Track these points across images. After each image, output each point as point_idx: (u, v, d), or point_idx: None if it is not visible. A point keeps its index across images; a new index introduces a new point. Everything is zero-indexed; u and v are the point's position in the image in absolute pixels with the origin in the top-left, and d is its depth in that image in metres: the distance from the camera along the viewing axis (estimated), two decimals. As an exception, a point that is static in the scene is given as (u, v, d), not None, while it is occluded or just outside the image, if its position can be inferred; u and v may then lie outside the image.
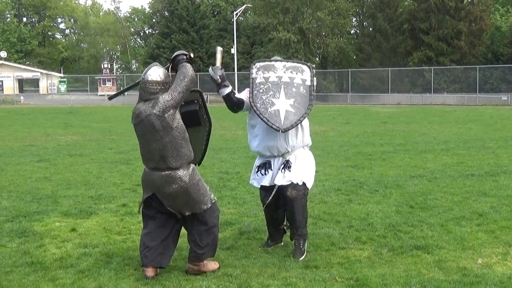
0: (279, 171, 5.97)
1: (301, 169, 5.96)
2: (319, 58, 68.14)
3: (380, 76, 56.42)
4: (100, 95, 64.21)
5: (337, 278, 5.18)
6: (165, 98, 5.06)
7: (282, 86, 5.98)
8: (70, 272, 5.42)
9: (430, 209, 7.81)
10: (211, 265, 5.43)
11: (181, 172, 5.17)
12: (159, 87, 5.10)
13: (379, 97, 53.91)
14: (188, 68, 5.24)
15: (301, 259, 5.79)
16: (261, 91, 5.86)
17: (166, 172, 5.15)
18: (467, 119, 26.67)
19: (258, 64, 6.07)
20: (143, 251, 5.26)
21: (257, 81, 5.93)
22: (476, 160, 12.65)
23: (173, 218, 5.39)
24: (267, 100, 5.82)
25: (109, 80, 68.61)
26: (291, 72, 6.14)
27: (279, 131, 5.70)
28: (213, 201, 5.44)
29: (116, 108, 44.89)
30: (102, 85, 67.61)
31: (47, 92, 68.94)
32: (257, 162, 6.19)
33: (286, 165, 5.95)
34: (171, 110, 5.05)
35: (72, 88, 73.47)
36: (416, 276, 5.19)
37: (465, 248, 6.06)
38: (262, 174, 6.07)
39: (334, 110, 38.45)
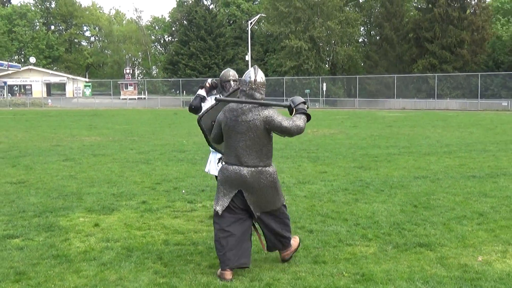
0: None
1: None
2: (328, 65, 68.11)
3: (386, 82, 56.27)
4: (122, 99, 64.54)
5: (344, 273, 5.17)
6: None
7: None
8: (93, 264, 5.44)
9: (433, 208, 7.77)
10: (295, 243, 5.54)
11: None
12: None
13: (385, 102, 53.75)
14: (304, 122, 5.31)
15: None
16: None
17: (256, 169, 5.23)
18: (469, 124, 26.49)
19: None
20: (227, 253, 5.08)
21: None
22: (477, 162, 12.57)
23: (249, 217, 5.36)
24: None
25: (131, 85, 68.91)
26: None
27: None
28: None
29: (137, 111, 45.11)
30: (124, 89, 67.92)
31: (73, 95, 69.31)
32: (217, 155, 6.70)
33: None
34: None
35: (96, 92, 73.84)
36: (419, 272, 5.17)
37: (466, 246, 6.02)
38: None
39: (343, 114, 38.36)
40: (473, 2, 58.61)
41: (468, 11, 57.66)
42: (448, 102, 50.26)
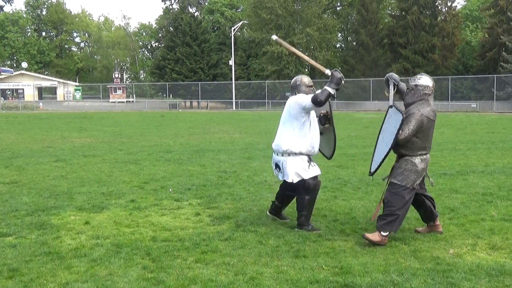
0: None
1: None
2: (308, 69, 68.28)
3: (362, 85, 56.53)
4: (111, 102, 64.22)
5: (323, 266, 5.18)
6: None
7: None
8: (84, 261, 5.40)
9: (407, 204, 7.81)
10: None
11: None
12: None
13: (362, 104, 54.05)
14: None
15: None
16: None
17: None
18: (440, 124, 26.66)
19: None
20: None
21: None
22: (448, 160, 12.68)
23: None
24: None
25: (119, 89, 68.59)
26: None
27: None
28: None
29: (126, 114, 44.88)
30: (113, 93, 67.60)
31: (64, 99, 68.74)
32: (306, 157, 6.56)
33: None
34: None
35: (86, 96, 73.33)
36: (394, 265, 5.20)
37: (438, 239, 6.07)
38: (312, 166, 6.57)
39: (322, 115, 38.40)
40: (443, 10, 59.12)
41: (439, 18, 58.14)
42: (421, 104, 50.60)
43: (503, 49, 51.89)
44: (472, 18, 70.31)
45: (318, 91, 6.42)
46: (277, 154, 6.65)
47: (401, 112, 6.01)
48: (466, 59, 58.74)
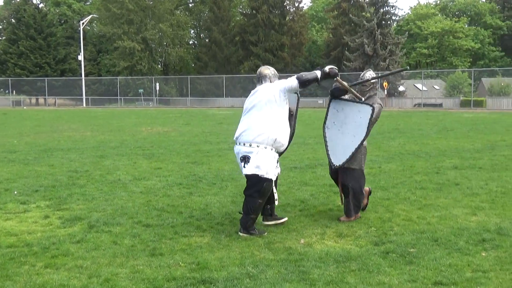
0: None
1: None
2: (161, 66, 67.83)
3: (216, 82, 57.30)
4: None
5: (180, 263, 5.17)
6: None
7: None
8: None
9: (261, 198, 8.03)
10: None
11: None
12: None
13: (215, 100, 54.76)
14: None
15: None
16: None
17: None
18: (290, 120, 27.80)
19: None
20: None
21: None
22: (298, 154, 13.23)
23: None
24: None
25: (-46, 84, 63.11)
26: None
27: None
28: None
29: (-38, 112, 41.33)
30: None
31: None
32: (277, 156, 6.34)
33: None
34: None
35: None
36: (249, 257, 5.33)
37: (290, 230, 6.32)
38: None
39: (175, 112, 38.37)
40: (291, 10, 61.74)
41: (287, 18, 60.64)
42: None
43: (346, 48, 55.44)
44: (317, 18, 74.24)
45: (304, 72, 6.35)
46: (249, 145, 6.10)
47: (369, 104, 6.51)
48: (313, 57, 61.82)
